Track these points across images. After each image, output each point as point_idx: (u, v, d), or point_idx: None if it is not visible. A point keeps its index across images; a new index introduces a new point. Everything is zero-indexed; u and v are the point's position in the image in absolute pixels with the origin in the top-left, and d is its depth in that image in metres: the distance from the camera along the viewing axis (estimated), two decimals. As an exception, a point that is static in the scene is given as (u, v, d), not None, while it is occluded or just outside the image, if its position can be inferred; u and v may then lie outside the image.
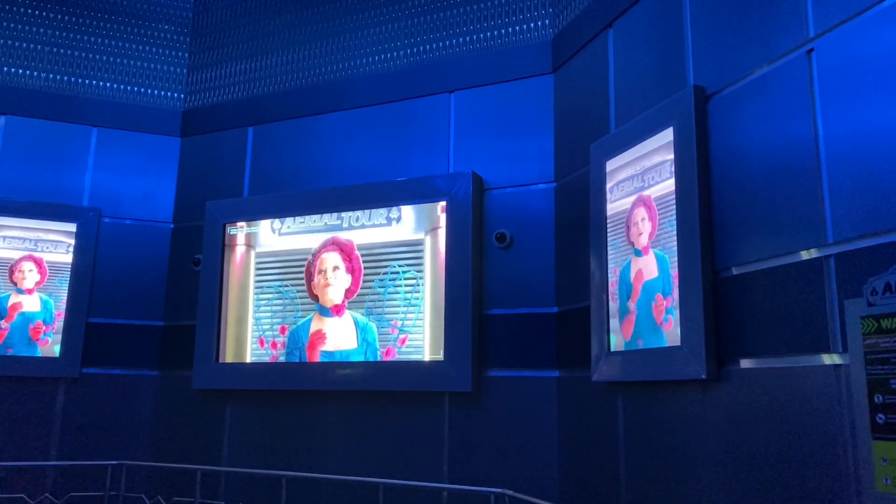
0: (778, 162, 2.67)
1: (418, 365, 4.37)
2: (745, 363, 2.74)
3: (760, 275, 2.71)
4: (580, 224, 3.93)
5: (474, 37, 4.73)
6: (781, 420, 2.54)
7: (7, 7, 5.32)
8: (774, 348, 2.60)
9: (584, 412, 3.79)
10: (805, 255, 2.52)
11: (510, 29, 4.61)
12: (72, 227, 5.16)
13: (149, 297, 5.31)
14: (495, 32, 4.66)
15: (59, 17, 5.45)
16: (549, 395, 4.06)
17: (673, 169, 3.17)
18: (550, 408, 4.04)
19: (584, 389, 3.76)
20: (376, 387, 4.47)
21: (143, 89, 5.56)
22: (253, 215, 5.06)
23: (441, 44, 4.83)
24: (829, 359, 2.39)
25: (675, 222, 3.12)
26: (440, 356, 4.29)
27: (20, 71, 5.31)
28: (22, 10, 5.37)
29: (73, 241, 5.16)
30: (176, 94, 5.63)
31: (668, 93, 3.31)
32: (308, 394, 4.69)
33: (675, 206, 3.13)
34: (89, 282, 5.16)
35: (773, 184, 2.69)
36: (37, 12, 5.40)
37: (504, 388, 4.18)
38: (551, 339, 4.12)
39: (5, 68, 5.27)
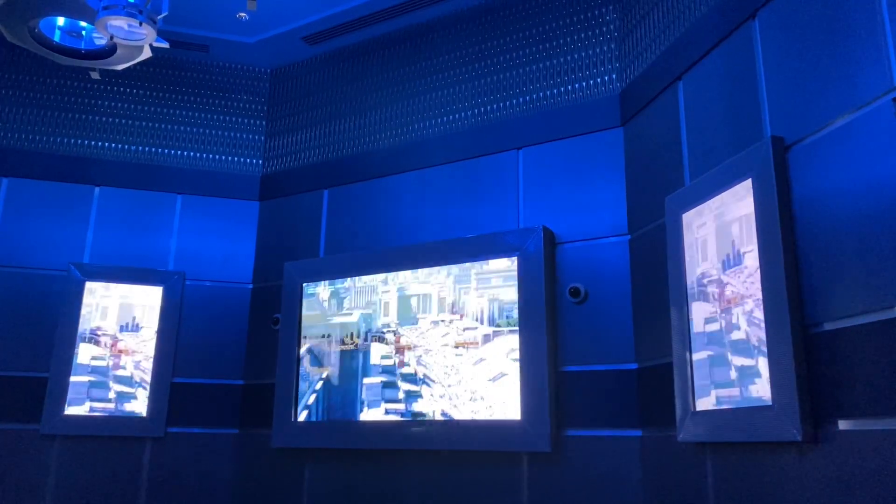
0: (867, 212, 2.57)
1: (495, 424, 4.32)
2: (844, 424, 2.60)
3: (854, 331, 2.58)
4: (657, 277, 3.85)
5: (540, 94, 4.79)
6: (886, 487, 2.38)
7: (101, 88, 5.71)
8: (875, 409, 2.46)
9: (670, 474, 3.65)
10: (903, 310, 2.40)
11: (576, 85, 4.65)
12: (159, 291, 5.40)
13: (229, 357, 5.47)
14: (562, 89, 4.70)
15: (147, 93, 5.81)
16: (632, 455, 3.94)
17: (754, 221, 3.09)
18: (634, 469, 3.91)
19: (669, 449, 3.63)
20: (454, 446, 4.43)
21: (223, 157, 5.83)
22: (329, 274, 5.18)
23: (508, 102, 4.91)
24: (937, 421, 2.25)
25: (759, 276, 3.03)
26: (516, 415, 4.23)
27: (112, 144, 5.66)
28: (114, 88, 5.74)
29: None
30: (254, 160, 5.88)
31: (743, 144, 3.26)
32: (385, 453, 4.69)
33: (758, 261, 3.04)
34: (174, 343, 5.36)
35: (862, 235, 2.58)
36: (127, 90, 5.77)
37: (584, 448, 4.08)
38: (632, 397, 4.01)
39: (99, 143, 5.63)
